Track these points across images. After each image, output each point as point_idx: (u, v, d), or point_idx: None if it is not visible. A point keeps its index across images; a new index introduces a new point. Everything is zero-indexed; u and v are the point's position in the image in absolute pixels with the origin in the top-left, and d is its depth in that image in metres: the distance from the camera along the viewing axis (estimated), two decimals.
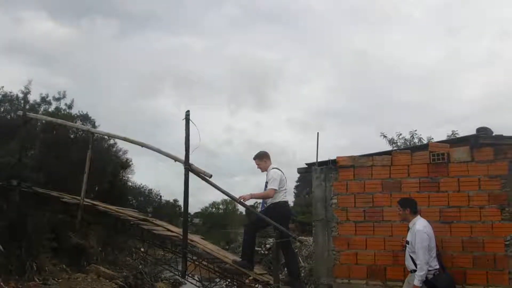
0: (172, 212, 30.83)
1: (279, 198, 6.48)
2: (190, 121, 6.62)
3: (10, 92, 13.92)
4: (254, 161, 6.88)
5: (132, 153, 21.43)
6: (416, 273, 4.97)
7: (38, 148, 13.14)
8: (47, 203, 10.00)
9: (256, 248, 19.02)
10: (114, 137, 9.28)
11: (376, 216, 6.01)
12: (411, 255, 5.10)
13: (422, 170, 5.86)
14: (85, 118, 15.25)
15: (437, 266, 5.07)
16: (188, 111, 6.62)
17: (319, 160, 6.63)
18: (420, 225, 5.12)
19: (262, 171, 6.78)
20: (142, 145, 7.23)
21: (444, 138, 10.32)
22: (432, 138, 13.41)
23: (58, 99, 15.07)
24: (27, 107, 12.00)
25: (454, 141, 6.12)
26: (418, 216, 5.30)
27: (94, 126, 10.08)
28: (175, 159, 6.82)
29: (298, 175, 8.07)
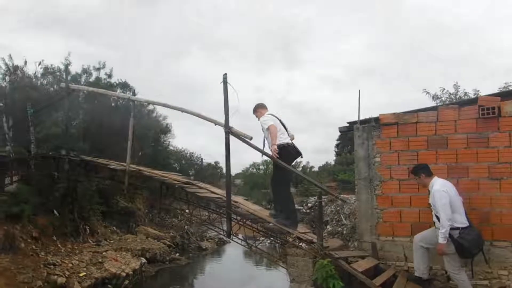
0: (214, 173, 31.33)
1: (277, 141, 6.35)
2: (228, 84, 6.59)
3: (52, 65, 14.24)
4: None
5: (172, 118, 21.82)
6: (440, 230, 4.92)
7: (82, 118, 13.50)
8: (95, 170, 10.29)
9: (298, 207, 19.25)
10: (154, 103, 9.37)
11: None
12: (436, 214, 5.04)
13: (470, 125, 5.59)
14: (124, 86, 15.58)
15: (465, 224, 4.99)
16: (225, 74, 6.60)
17: (360, 119, 6.46)
18: (437, 185, 5.09)
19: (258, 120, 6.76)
20: (182, 110, 7.23)
21: (490, 91, 9.82)
22: (479, 91, 12.80)
23: (98, 69, 15.33)
24: (69, 78, 12.18)
25: (505, 94, 5.77)
26: (435, 177, 5.23)
27: (133, 93, 10.17)
28: (215, 122, 6.84)
29: (338, 134, 7.93)
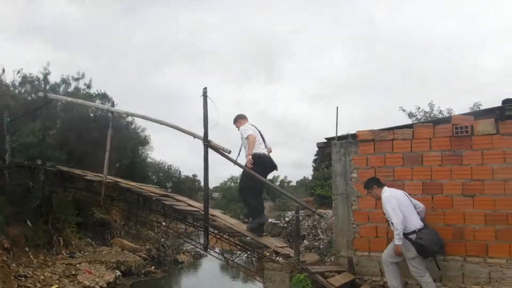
0: (192, 187, 31.14)
1: (259, 148, 6.52)
2: (207, 98, 6.64)
3: (30, 74, 14.02)
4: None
5: (151, 130, 21.65)
6: (394, 233, 5.13)
7: (59, 127, 13.31)
8: (71, 181, 10.18)
9: (275, 221, 19.23)
10: (133, 115, 9.33)
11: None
12: (390, 221, 5.23)
13: (444, 143, 5.72)
14: (103, 96, 15.39)
15: (420, 226, 5.21)
16: (205, 89, 6.70)
17: (337, 134, 6.53)
18: (385, 192, 5.39)
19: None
20: (161, 122, 7.27)
21: (464, 110, 10.09)
22: (452, 110, 13.15)
23: (77, 79, 15.17)
24: (48, 88, 12.04)
25: (478, 114, 5.93)
26: (385, 188, 5.50)
27: (113, 104, 10.02)
28: (194, 135, 6.88)
29: (316, 149, 8.01)
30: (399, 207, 5.18)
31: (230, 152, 6.69)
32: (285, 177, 45.00)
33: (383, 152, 6.12)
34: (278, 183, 41.38)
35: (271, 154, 6.85)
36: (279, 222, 18.98)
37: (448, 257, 5.54)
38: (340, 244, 6.39)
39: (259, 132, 6.74)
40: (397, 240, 5.11)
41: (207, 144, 6.68)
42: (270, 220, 20.46)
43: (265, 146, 6.72)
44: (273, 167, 6.81)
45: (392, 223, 5.16)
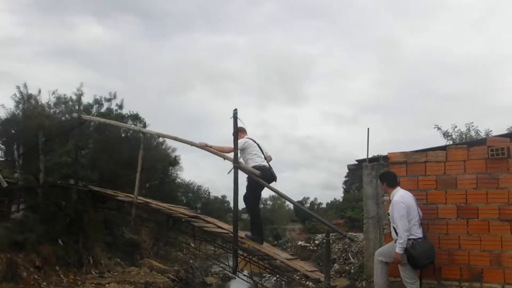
0: (221, 207, 31.25)
1: (253, 163, 6.88)
2: (238, 119, 6.73)
3: (64, 95, 14.40)
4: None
5: (180, 151, 21.95)
6: (397, 241, 5.12)
7: (92, 148, 13.63)
8: (102, 201, 10.43)
9: (304, 244, 19.07)
10: (165, 136, 9.46)
11: (430, 214, 5.79)
12: (393, 225, 5.24)
13: (479, 166, 5.58)
14: (135, 117, 15.74)
15: (420, 235, 5.22)
16: (235, 110, 6.78)
17: (368, 156, 6.52)
18: (397, 196, 5.32)
19: None
20: (192, 144, 7.35)
21: (503, 131, 9.83)
22: (491, 131, 12.78)
23: (109, 100, 15.43)
24: (81, 108, 12.43)
25: None
26: (398, 188, 5.47)
27: (144, 125, 10.31)
28: (225, 157, 6.95)
29: (346, 170, 8.04)
30: (407, 215, 5.18)
31: (259, 174, 6.76)
32: (315, 198, 44.71)
33: (416, 174, 6.01)
34: (307, 205, 41.09)
35: (271, 163, 7.20)
36: (308, 245, 18.83)
37: (485, 284, 5.36)
38: (372, 269, 6.28)
39: (257, 144, 7.05)
40: (399, 249, 5.10)
41: (237, 166, 6.74)
42: (299, 242, 20.32)
43: (265, 157, 7.05)
44: (273, 178, 7.03)
45: (396, 231, 5.19)
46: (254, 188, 6.98)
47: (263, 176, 6.80)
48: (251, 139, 7.08)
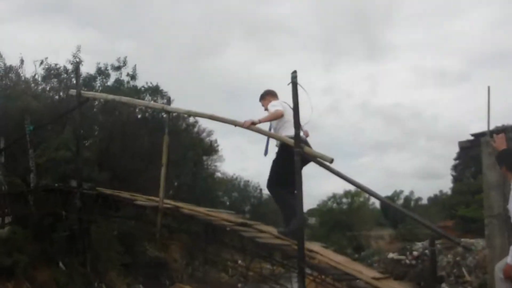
0: (278, 210, 31.38)
1: (286, 133, 7.07)
2: (298, 86, 6.63)
3: (56, 65, 14.65)
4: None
5: (219, 134, 21.88)
6: None
7: (98, 136, 13.74)
8: (115, 208, 10.58)
9: (398, 257, 18.93)
10: (197, 115, 9.35)
11: None
12: None
13: None
14: (154, 91, 15.76)
15: None
16: (295, 73, 6.63)
17: (491, 128, 6.37)
18: None
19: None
20: (235, 123, 7.32)
21: None
22: None
23: (117, 68, 15.76)
24: (80, 82, 12.18)
25: None
26: None
27: (168, 102, 10.17)
28: (282, 139, 6.95)
29: (457, 150, 7.90)
30: None
31: (332, 161, 6.66)
32: (411, 192, 43.92)
33: None
34: (400, 201, 40.59)
35: (308, 139, 7.38)
36: (403, 258, 18.67)
37: None
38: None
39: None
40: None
41: (300, 151, 6.66)
42: (390, 255, 20.19)
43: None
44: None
45: None
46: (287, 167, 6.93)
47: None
48: (286, 103, 7.27)
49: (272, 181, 7.42)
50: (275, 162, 7.34)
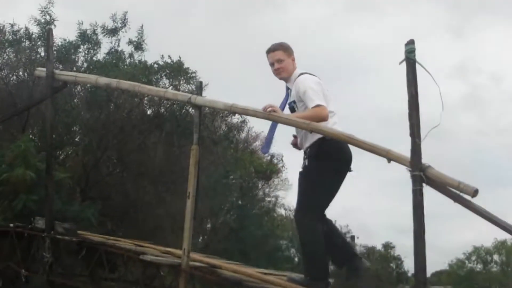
0: (387, 268, 31.57)
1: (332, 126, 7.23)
2: (417, 65, 6.38)
3: (13, 26, 15.12)
4: (270, 55, 7.60)
5: (281, 144, 21.81)
6: None
7: (81, 143, 13.66)
8: (110, 266, 10.59)
9: None
10: (248, 114, 9.04)
11: None
12: None
13: None
14: (175, 70, 15.31)
15: None
16: (411, 44, 6.34)
17: None
18: None
19: (281, 76, 7.65)
20: (311, 129, 7.08)
21: None
22: None
23: (112, 31, 15.72)
24: (54, 55, 12.08)
25: None
26: None
27: (200, 88, 9.85)
28: (388, 156, 6.53)
29: None
30: None
31: (476, 192, 6.09)
32: None
33: None
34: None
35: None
36: None
37: None
38: None
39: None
40: None
41: (421, 175, 6.24)
42: None
43: None
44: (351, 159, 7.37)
45: None
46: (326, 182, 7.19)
47: (344, 156, 7.22)
48: (313, 75, 7.54)
49: (303, 207, 7.33)
50: (307, 177, 7.34)
